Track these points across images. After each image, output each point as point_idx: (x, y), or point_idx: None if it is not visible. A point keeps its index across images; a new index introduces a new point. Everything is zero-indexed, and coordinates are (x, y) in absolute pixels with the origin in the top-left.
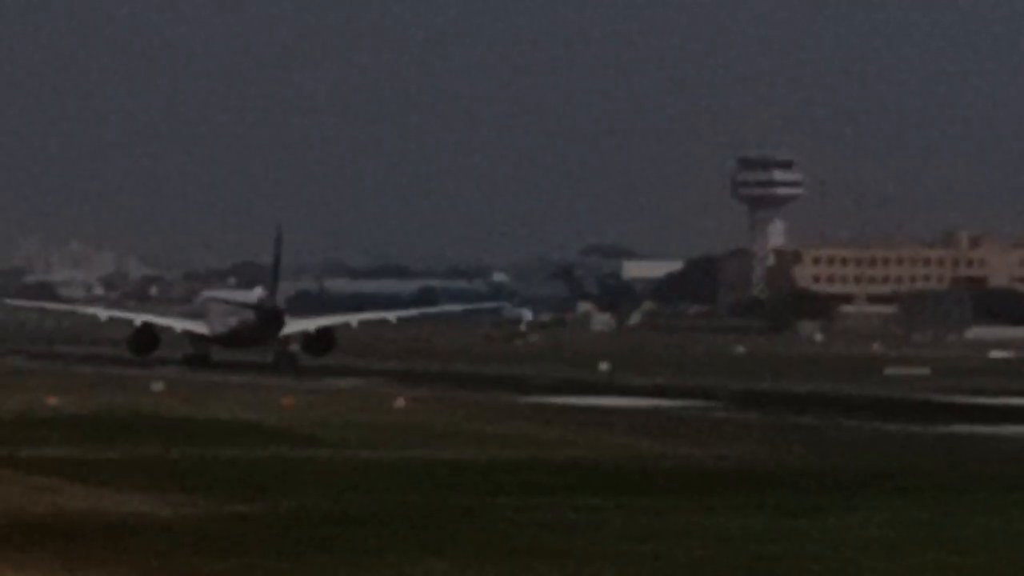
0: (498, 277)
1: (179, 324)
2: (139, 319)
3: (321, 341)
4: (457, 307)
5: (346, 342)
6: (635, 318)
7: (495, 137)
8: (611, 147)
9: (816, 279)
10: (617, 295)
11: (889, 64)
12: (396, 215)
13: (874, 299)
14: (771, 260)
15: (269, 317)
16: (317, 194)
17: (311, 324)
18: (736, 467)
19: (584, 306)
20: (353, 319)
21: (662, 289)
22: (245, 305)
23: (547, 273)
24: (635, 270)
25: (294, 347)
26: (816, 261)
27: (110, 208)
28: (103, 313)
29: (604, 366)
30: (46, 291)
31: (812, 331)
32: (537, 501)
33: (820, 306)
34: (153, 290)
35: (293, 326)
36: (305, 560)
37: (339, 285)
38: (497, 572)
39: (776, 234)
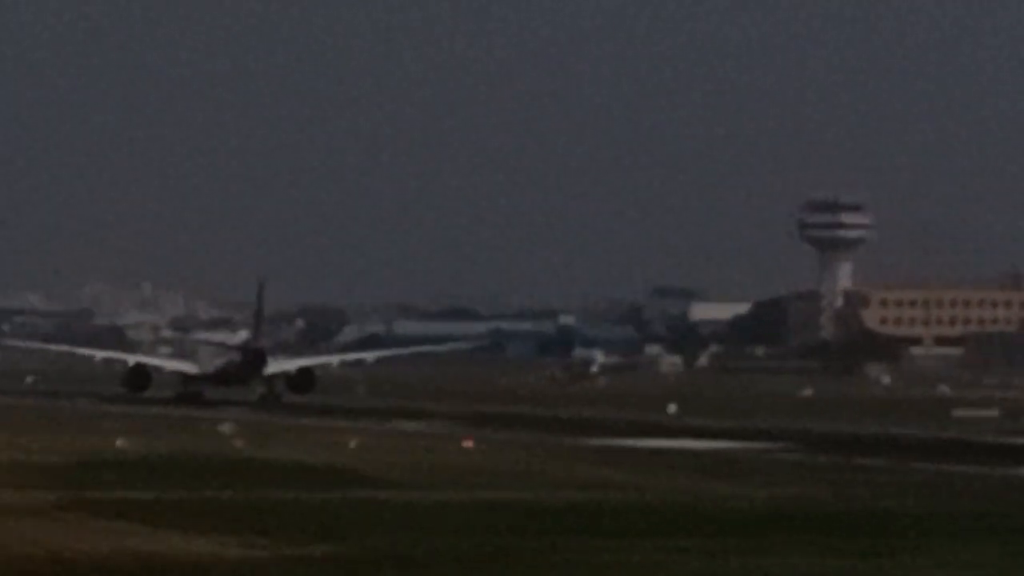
0: (565, 319)
1: (169, 364)
2: (132, 359)
3: (302, 380)
4: (443, 348)
5: (416, 384)
6: (703, 360)
7: (564, 182)
8: (680, 190)
9: (884, 321)
10: (685, 337)
11: (957, 108)
12: (466, 259)
13: (942, 341)
14: (839, 302)
15: (253, 358)
16: (388, 238)
17: (292, 364)
18: (802, 509)
19: (652, 348)
20: (335, 359)
21: (730, 331)
22: (231, 347)
23: (615, 315)
24: (703, 312)
25: (280, 385)
26: (884, 303)
27: (180, 251)
28: (99, 354)
29: (672, 408)
30: (115, 334)
31: (879, 373)
32: (603, 543)
33: (887, 348)
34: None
35: (276, 366)
36: None
37: (407, 327)
38: None
39: (844, 276)
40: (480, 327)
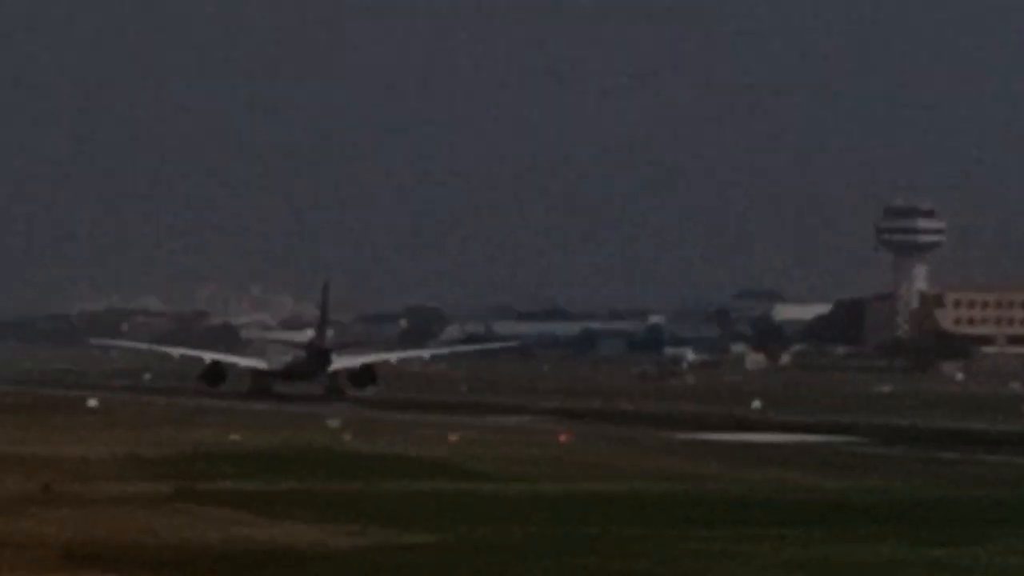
0: (655, 319)
1: (242, 361)
2: (208, 357)
3: (363, 375)
4: (494, 346)
5: (510, 381)
6: (786, 358)
7: (656, 190)
8: (765, 198)
9: (957, 321)
10: (769, 336)
11: None
12: (561, 262)
13: (1014, 340)
14: (915, 303)
15: (317, 355)
16: (488, 243)
17: (354, 361)
18: (881, 499)
19: (738, 347)
20: (392, 356)
21: (812, 331)
22: (297, 345)
23: (703, 315)
24: (786, 312)
25: (343, 380)
26: (957, 304)
27: (289, 254)
28: (175, 352)
29: (756, 404)
30: (229, 333)
31: (954, 371)
32: (692, 533)
33: (961, 347)
34: (329, 332)
35: (340, 362)
36: None
37: (505, 327)
38: None
39: (919, 279)
40: (573, 327)
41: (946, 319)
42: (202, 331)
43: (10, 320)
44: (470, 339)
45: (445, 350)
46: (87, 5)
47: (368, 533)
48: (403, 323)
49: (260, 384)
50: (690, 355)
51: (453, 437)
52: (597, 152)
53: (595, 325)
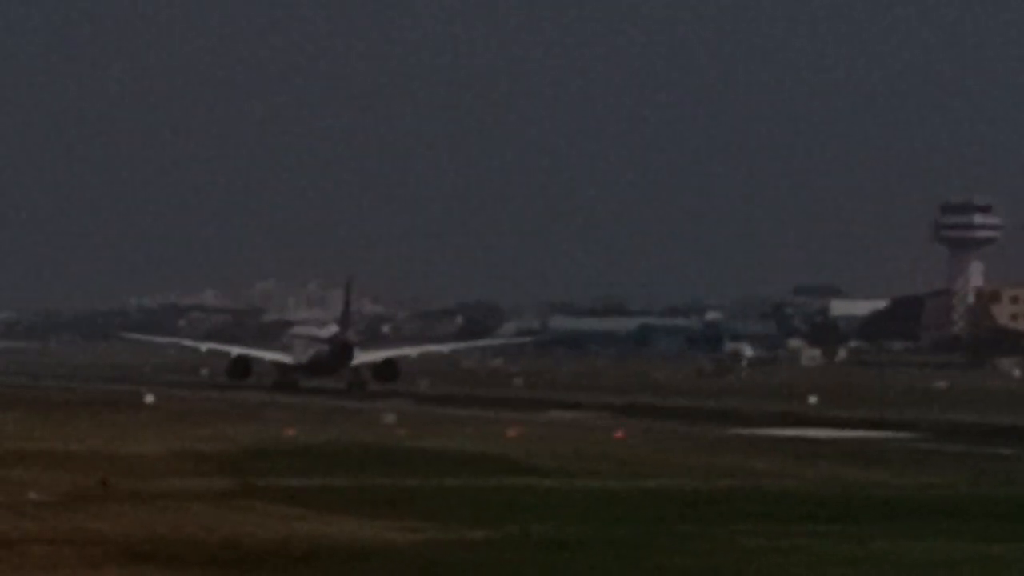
0: (712, 315)
1: (268, 355)
2: (234, 351)
3: (386, 369)
4: (516, 340)
5: (567, 377)
6: (842, 354)
7: (713, 186)
8: (821, 194)
9: (1014, 317)
10: (825, 332)
11: None
12: (618, 258)
13: None
14: (971, 299)
15: (340, 350)
16: (545, 240)
17: (378, 356)
18: (938, 495)
19: (794, 342)
20: (413, 351)
21: (868, 326)
22: (321, 340)
23: (759, 311)
24: (842, 308)
25: (366, 374)
26: (1014, 300)
27: (345, 250)
28: (203, 345)
29: (813, 399)
30: (284, 329)
31: (1010, 367)
32: (750, 528)
33: (1017, 343)
34: (385, 328)
35: (362, 357)
36: None
37: (562, 323)
38: None
39: (976, 275)
40: (630, 323)
41: (1002, 315)
42: (258, 327)
43: (69, 316)
44: (527, 335)
45: (464, 345)
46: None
47: (426, 529)
48: (459, 319)
49: (285, 378)
50: (748, 351)
51: (510, 432)
52: (655, 149)
53: (652, 321)
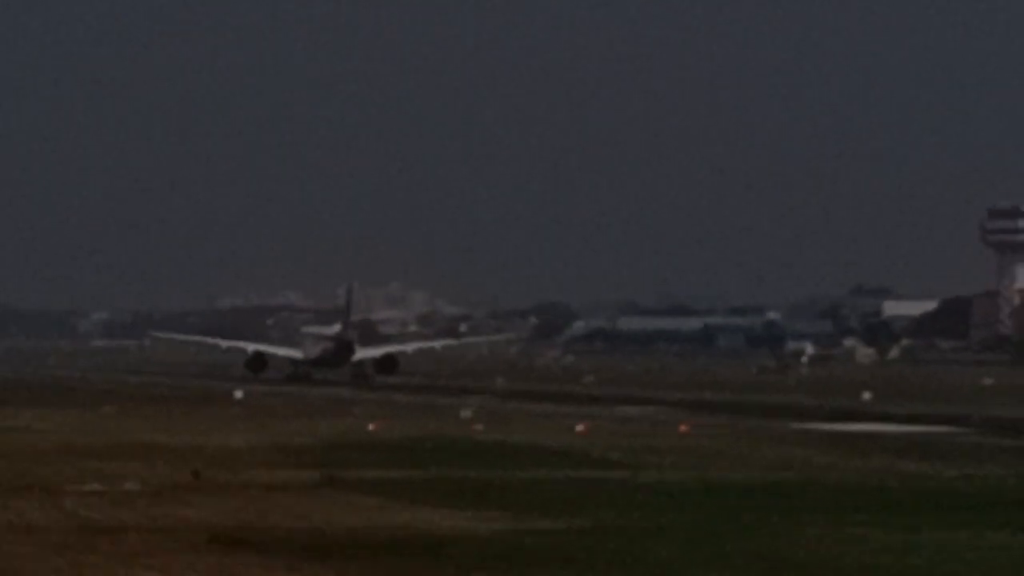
0: (771, 315)
1: (281, 351)
2: (251, 347)
3: (386, 363)
4: (499, 337)
5: (634, 374)
6: (894, 352)
7: (773, 193)
8: (875, 200)
9: None
10: (878, 331)
11: None
12: (683, 261)
13: None
14: (1016, 300)
15: (343, 346)
16: (614, 243)
17: (378, 351)
18: (986, 487)
19: (849, 341)
20: (409, 347)
21: (919, 326)
22: (327, 338)
23: (816, 312)
24: (894, 309)
25: (369, 368)
26: None
27: (426, 253)
28: (223, 343)
29: (866, 395)
30: (368, 328)
31: None
32: (808, 519)
33: None
34: (462, 327)
35: (363, 353)
36: (601, 571)
37: (629, 322)
38: None
39: (1021, 276)
40: (694, 322)
41: None
42: None
43: (163, 316)
44: (596, 334)
45: (457, 342)
46: None
47: (502, 518)
48: (533, 319)
49: (297, 371)
50: (809, 349)
51: (581, 427)
52: (718, 160)
53: (715, 321)
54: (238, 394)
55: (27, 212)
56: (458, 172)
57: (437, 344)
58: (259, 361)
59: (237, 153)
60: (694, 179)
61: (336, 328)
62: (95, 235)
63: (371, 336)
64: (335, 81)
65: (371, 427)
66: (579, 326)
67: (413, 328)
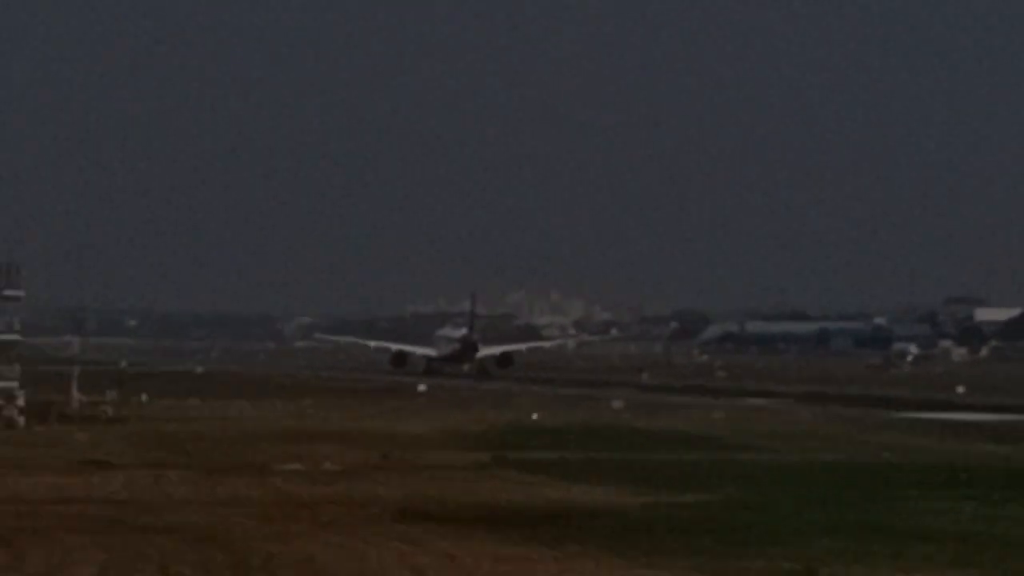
0: (878, 320)
1: (418, 350)
2: (395, 347)
3: (504, 360)
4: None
5: (759, 370)
6: (985, 352)
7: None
8: (970, 216)
9: None
10: (971, 334)
11: None
12: (802, 271)
13: None
14: None
15: (468, 345)
16: (744, 255)
17: (497, 350)
18: None
19: (945, 343)
20: (523, 346)
21: (1007, 330)
22: (455, 339)
23: (915, 317)
24: (985, 315)
25: (490, 364)
26: None
27: (582, 263)
28: (372, 344)
29: (960, 389)
30: (532, 332)
31: None
32: (907, 494)
33: None
34: (613, 331)
35: (485, 351)
36: (732, 539)
37: (756, 326)
38: (880, 547)
39: None
40: (810, 326)
41: None
42: (509, 330)
43: (357, 319)
44: (727, 337)
45: (537, 344)
46: None
47: (646, 493)
48: (673, 324)
49: (431, 367)
50: (914, 349)
51: (715, 416)
52: (834, 173)
53: (829, 325)
54: (421, 387)
55: (241, 229)
56: (609, 195)
57: (522, 347)
58: (401, 358)
59: (416, 176)
60: (815, 200)
61: (463, 331)
62: (300, 247)
63: (533, 338)
64: (480, 95)
65: (535, 416)
66: (712, 329)
67: (571, 332)
